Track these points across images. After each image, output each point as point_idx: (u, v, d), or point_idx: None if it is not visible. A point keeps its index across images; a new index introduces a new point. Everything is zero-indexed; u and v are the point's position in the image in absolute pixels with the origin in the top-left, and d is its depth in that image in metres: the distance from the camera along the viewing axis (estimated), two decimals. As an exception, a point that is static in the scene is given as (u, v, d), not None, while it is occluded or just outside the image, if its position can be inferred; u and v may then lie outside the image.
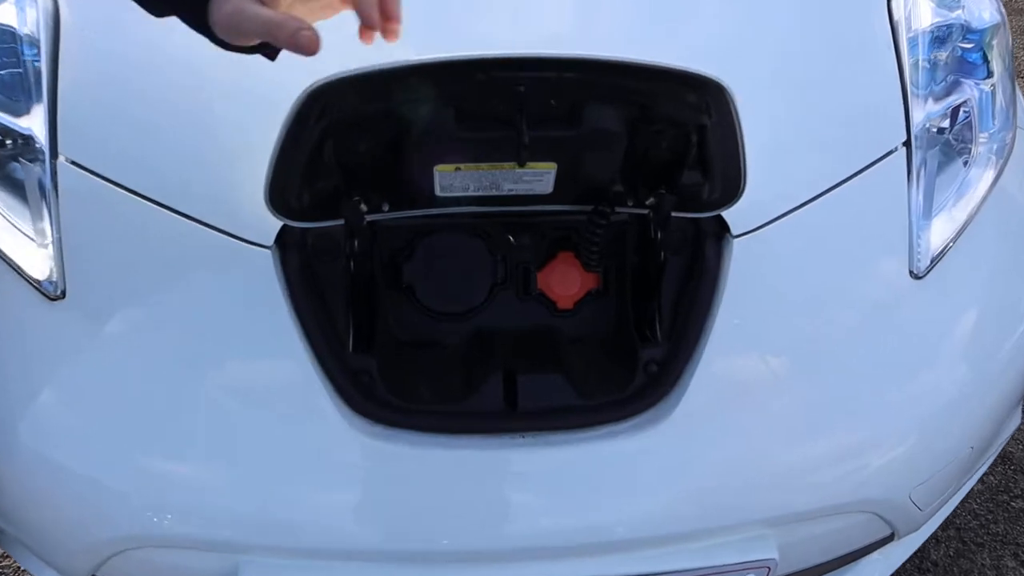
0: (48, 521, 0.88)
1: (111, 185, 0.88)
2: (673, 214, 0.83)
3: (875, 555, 1.09)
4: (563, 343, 0.90)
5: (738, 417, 0.84)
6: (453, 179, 0.74)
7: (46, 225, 0.89)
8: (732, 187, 0.79)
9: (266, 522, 0.81)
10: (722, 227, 0.87)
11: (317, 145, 0.72)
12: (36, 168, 0.92)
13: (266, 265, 0.82)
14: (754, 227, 0.87)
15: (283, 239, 0.83)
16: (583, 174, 0.77)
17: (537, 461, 0.82)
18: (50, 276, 0.88)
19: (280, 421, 0.81)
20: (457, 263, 0.90)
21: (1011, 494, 1.67)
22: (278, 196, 0.75)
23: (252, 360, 0.82)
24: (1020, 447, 1.76)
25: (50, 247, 0.89)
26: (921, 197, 0.97)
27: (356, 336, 0.84)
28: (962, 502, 1.63)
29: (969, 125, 1.10)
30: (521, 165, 0.70)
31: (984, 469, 1.23)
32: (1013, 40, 1.31)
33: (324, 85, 0.67)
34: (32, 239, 0.90)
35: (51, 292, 0.87)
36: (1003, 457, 1.74)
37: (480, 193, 0.76)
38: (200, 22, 0.54)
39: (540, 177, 0.75)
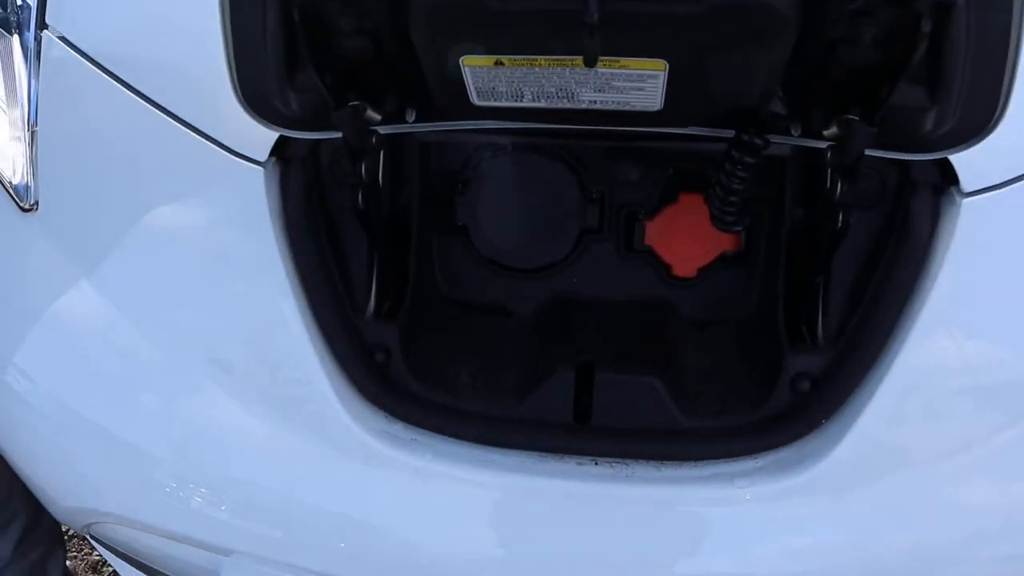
0: (36, 480, 0.75)
1: (97, 70, 0.67)
2: (868, 152, 0.51)
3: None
4: (674, 327, 0.63)
5: (930, 486, 0.54)
6: (494, 79, 0.46)
7: (20, 111, 0.71)
8: (979, 113, 0.47)
9: (248, 526, 0.62)
10: (946, 179, 0.54)
11: (284, 20, 0.47)
12: (13, 38, 0.72)
13: (256, 188, 0.59)
14: (1000, 182, 0.53)
15: (284, 155, 0.60)
16: (715, 82, 0.47)
17: (610, 503, 0.56)
18: (22, 187, 0.70)
19: (266, 410, 0.60)
20: (532, 199, 0.64)
21: None
22: (251, 90, 0.51)
23: (232, 318, 0.60)
24: None
25: (23, 156, 0.70)
26: None
27: (377, 297, 0.60)
28: None
29: None
30: (590, 64, 0.41)
31: None
32: None
33: None
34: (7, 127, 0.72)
35: (22, 201, 0.69)
36: None
37: (541, 104, 0.48)
38: None
39: (640, 83, 0.46)
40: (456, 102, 0.49)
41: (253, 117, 0.54)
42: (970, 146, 0.50)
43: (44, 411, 0.68)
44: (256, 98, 0.53)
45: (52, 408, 0.68)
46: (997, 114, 0.47)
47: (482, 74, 0.46)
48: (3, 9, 0.76)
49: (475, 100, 0.49)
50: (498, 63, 0.45)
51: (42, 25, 0.71)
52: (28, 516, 1.08)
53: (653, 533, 0.56)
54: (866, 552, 0.54)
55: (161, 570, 0.76)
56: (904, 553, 0.54)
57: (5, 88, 0.72)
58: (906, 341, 0.54)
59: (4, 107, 0.73)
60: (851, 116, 0.50)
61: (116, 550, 0.81)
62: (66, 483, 0.71)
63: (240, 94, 0.53)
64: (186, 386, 0.62)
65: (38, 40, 0.71)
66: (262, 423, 0.60)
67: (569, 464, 0.57)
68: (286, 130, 0.56)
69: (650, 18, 0.41)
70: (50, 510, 0.81)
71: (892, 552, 0.54)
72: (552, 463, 0.57)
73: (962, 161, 0.53)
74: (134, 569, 0.85)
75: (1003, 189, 0.54)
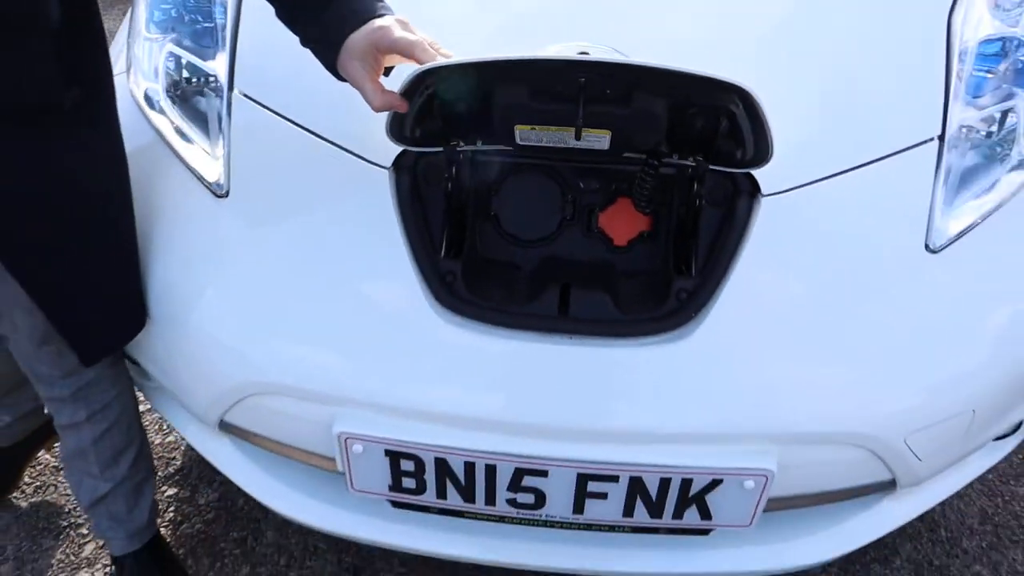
0: (195, 375, 1.14)
1: (269, 112, 1.14)
2: (712, 168, 1.00)
3: (883, 503, 1.22)
4: (614, 272, 1.09)
5: (752, 344, 1.00)
6: (529, 135, 0.95)
7: (220, 143, 1.15)
8: (760, 154, 0.96)
9: (361, 382, 1.03)
10: (755, 187, 1.04)
11: (426, 101, 0.94)
12: (216, 100, 1.18)
13: (384, 183, 1.05)
14: (782, 189, 1.04)
15: (398, 163, 1.06)
16: (634, 140, 0.97)
17: (579, 358, 1.01)
18: (219, 180, 1.14)
19: (383, 307, 1.03)
20: (535, 199, 1.10)
21: (1050, 498, 1.74)
22: (396, 128, 0.98)
23: (367, 258, 1.05)
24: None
25: (221, 159, 1.14)
26: (945, 184, 1.10)
27: (448, 246, 1.05)
28: (1005, 503, 1.71)
29: (1015, 131, 1.21)
30: (577, 138, 0.90)
31: (1007, 450, 1.33)
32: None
33: (431, 67, 0.88)
34: (208, 153, 1.16)
35: (219, 191, 1.13)
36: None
37: (551, 144, 0.97)
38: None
39: (598, 139, 0.95)
40: (508, 141, 0.98)
41: (393, 142, 1.00)
42: (759, 167, 0.99)
43: (225, 323, 1.09)
44: (397, 133, 0.99)
45: (231, 322, 1.09)
46: (770, 154, 0.96)
47: (524, 132, 0.94)
48: (200, 80, 1.22)
49: (519, 141, 0.97)
50: (532, 128, 0.93)
51: (231, 87, 1.18)
52: (140, 441, 1.43)
53: (604, 376, 1.01)
54: (719, 379, 1.00)
55: (283, 439, 1.15)
56: (739, 379, 1.00)
57: (210, 127, 1.17)
58: (733, 275, 1.02)
59: (208, 143, 1.17)
60: (699, 157, 1.00)
61: (243, 432, 1.19)
62: (230, 368, 1.09)
63: (389, 132, 0.99)
64: (330, 296, 1.05)
65: (230, 97, 1.17)
66: (379, 318, 1.03)
67: (555, 337, 1.02)
68: (410, 147, 1.02)
69: (603, 116, 0.90)
70: (194, 406, 1.19)
71: (732, 378, 1.00)
72: (545, 336, 1.02)
73: (763, 178, 1.03)
74: (253, 465, 1.23)
75: (786, 193, 1.05)
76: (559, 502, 1.07)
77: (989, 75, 1.24)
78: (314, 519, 1.22)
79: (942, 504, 1.66)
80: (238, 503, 1.66)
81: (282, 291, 1.06)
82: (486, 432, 1.02)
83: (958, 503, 1.73)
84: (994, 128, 1.21)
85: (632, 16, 1.19)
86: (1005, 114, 1.21)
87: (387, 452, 1.05)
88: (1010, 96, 1.22)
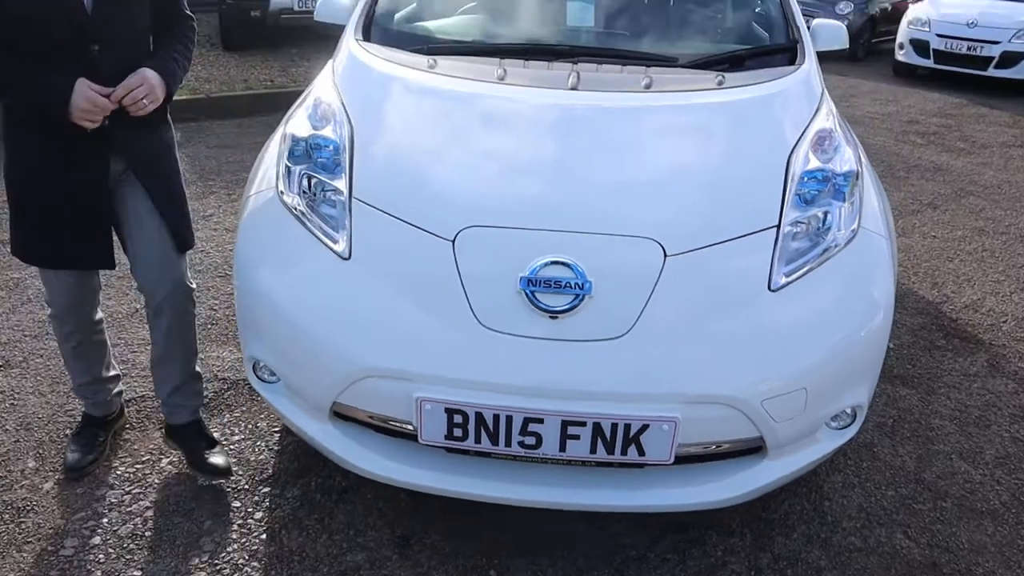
0: (321, 368, 1.83)
1: (375, 209, 1.90)
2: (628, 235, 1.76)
3: (763, 463, 1.89)
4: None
5: (663, 342, 1.72)
6: None
7: (344, 231, 1.90)
8: None
9: (432, 366, 1.73)
10: (664, 250, 1.78)
11: None
12: (341, 206, 1.94)
13: (448, 249, 1.79)
14: (681, 251, 1.78)
15: (455, 238, 1.80)
16: None
17: (565, 351, 1.71)
18: (343, 250, 1.88)
19: (448, 322, 1.75)
20: None
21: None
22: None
23: (438, 292, 1.77)
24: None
25: (345, 238, 1.89)
26: (779, 253, 1.85)
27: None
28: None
29: (830, 224, 1.98)
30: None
31: (849, 436, 2.01)
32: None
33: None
34: (336, 234, 1.91)
35: (344, 256, 1.87)
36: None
37: None
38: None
39: None
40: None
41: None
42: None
43: (348, 331, 1.80)
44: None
45: (351, 330, 1.80)
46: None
47: None
48: (329, 191, 1.99)
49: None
50: None
51: (351, 195, 1.95)
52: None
53: (578, 361, 1.71)
54: (643, 363, 1.71)
55: (376, 410, 1.82)
56: (654, 362, 1.72)
57: (337, 219, 1.92)
58: (650, 300, 1.75)
59: (332, 237, 1.92)
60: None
61: (353, 415, 1.87)
62: (349, 360, 1.79)
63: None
64: (414, 315, 1.76)
65: (350, 204, 1.94)
66: (446, 328, 1.74)
67: (550, 342, 1.73)
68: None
69: None
70: (315, 393, 1.87)
71: (652, 361, 1.71)
72: (544, 340, 1.73)
73: (667, 243, 1.78)
74: (351, 441, 1.90)
75: (682, 255, 1.79)
76: (551, 441, 1.74)
77: (819, 192, 2.02)
78: (396, 474, 1.88)
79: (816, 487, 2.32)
80: (316, 497, 2.29)
81: (384, 312, 1.78)
82: (507, 394, 1.71)
83: (838, 498, 2.37)
84: (819, 224, 1.98)
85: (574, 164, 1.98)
86: (826, 215, 1.99)
87: (446, 409, 1.73)
88: (828, 205, 2.00)
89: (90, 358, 2.32)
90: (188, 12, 2.17)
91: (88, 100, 1.82)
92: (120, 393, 2.48)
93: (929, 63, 9.35)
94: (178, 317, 2.19)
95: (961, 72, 9.14)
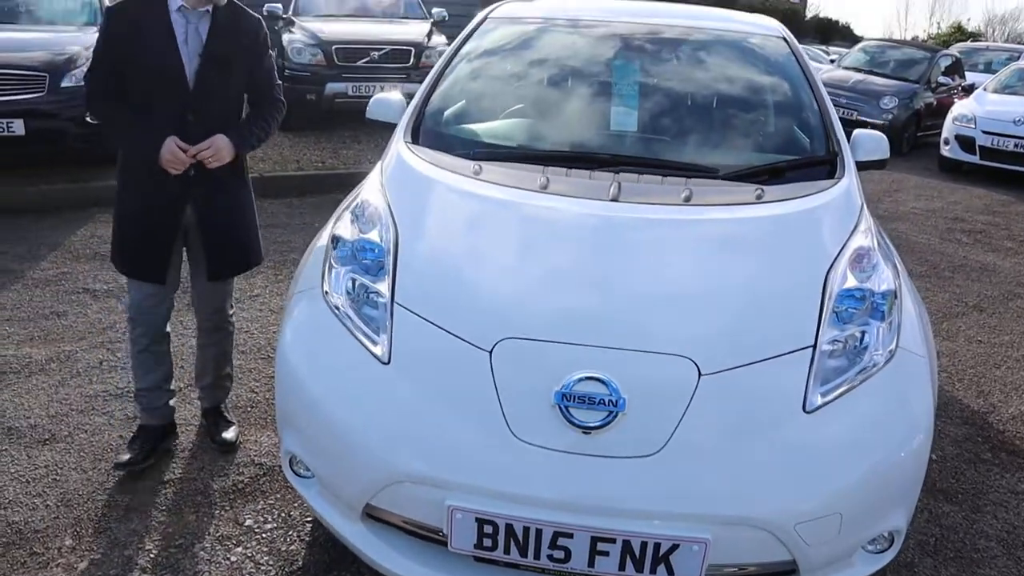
0: (358, 468, 1.86)
1: (416, 315, 1.95)
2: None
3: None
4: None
5: (695, 462, 1.71)
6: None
7: (385, 334, 1.96)
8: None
9: (465, 475, 1.75)
10: (698, 369, 1.80)
11: None
12: (382, 308, 2.00)
13: (484, 359, 1.83)
14: (716, 371, 1.80)
15: (493, 350, 1.84)
16: None
17: (596, 468, 1.72)
18: (383, 355, 1.93)
19: (482, 431, 1.77)
20: None
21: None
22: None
23: (473, 401, 1.80)
24: None
25: (385, 342, 1.94)
26: (815, 373, 1.85)
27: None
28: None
29: (867, 343, 1.98)
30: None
31: (887, 560, 1.97)
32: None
33: None
34: (377, 337, 1.96)
35: (384, 360, 1.92)
36: None
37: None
38: None
39: None
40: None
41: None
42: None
43: (384, 435, 1.83)
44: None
45: (387, 435, 1.83)
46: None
47: None
48: (372, 295, 2.05)
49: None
50: None
51: (393, 300, 2.00)
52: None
53: (610, 478, 1.71)
54: (675, 483, 1.70)
55: (408, 515, 1.84)
56: (685, 481, 1.71)
57: (379, 323, 1.98)
58: (683, 420, 1.75)
59: (373, 340, 1.97)
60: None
61: (386, 518, 1.89)
62: (385, 464, 1.81)
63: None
64: (448, 423, 1.79)
65: (392, 308, 2.00)
66: (480, 437, 1.77)
67: (581, 456, 1.74)
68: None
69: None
70: (350, 492, 1.89)
71: (683, 480, 1.71)
72: (574, 455, 1.74)
73: (702, 363, 1.79)
74: (382, 543, 1.91)
75: (717, 374, 1.80)
76: (579, 557, 1.73)
77: (857, 311, 2.02)
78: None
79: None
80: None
81: (419, 419, 1.82)
82: (537, 507, 1.71)
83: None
84: (856, 343, 1.98)
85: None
86: (863, 335, 1.99)
87: (476, 519, 1.74)
88: (866, 324, 2.00)
89: (152, 365, 2.75)
90: (280, 97, 2.73)
91: (171, 153, 2.42)
92: (173, 409, 2.90)
93: (975, 159, 9.33)
94: (214, 335, 2.86)
95: (1008, 169, 9.10)
